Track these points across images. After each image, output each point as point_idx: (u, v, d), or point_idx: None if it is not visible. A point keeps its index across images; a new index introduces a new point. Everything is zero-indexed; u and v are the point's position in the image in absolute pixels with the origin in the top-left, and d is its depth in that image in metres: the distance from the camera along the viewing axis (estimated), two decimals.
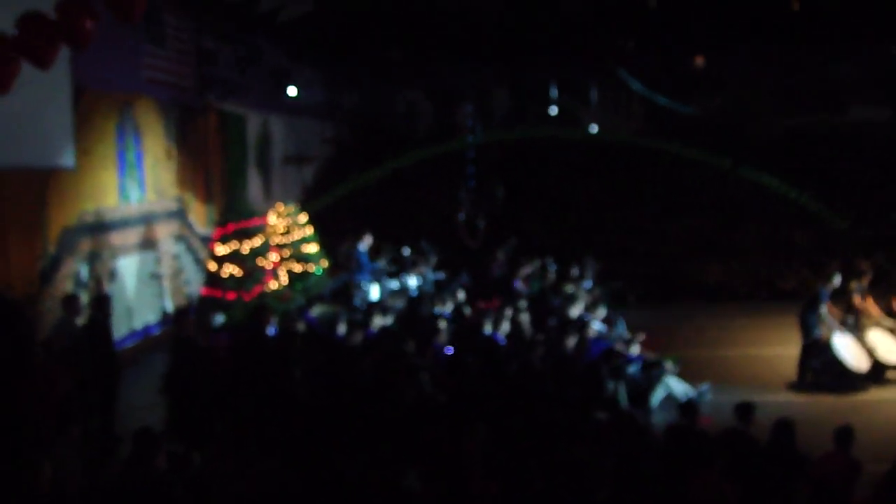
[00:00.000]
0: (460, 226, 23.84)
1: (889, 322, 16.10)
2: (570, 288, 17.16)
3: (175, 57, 17.99)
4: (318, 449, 9.34)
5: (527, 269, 18.12)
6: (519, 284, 17.55)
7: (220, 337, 13.08)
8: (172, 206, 18.01)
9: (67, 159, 14.05)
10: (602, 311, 15.62)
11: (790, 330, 16.32)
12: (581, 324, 14.49)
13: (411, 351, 12.13)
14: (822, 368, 15.15)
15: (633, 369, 13.44)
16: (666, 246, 24.72)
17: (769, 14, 23.65)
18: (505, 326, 13.84)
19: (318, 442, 9.70)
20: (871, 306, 16.41)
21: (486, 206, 24.52)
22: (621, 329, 15.35)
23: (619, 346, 14.44)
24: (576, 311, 15.44)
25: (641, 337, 14.79)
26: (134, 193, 16.39)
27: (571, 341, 13.68)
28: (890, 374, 15.44)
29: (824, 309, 15.37)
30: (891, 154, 26.76)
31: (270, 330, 13.04)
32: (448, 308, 15.15)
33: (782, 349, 16.76)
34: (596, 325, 15.07)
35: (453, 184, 25.36)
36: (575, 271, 18.67)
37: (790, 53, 26.70)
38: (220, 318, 13.67)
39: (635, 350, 14.28)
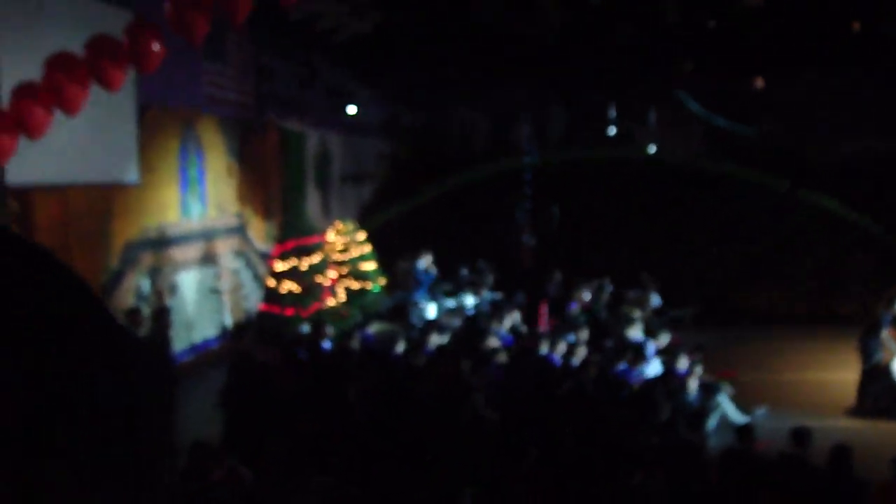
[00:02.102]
0: (523, 246, 23.86)
1: None
2: (633, 311, 16.92)
3: (235, 75, 18.25)
4: (372, 467, 9.40)
5: (584, 292, 17.94)
6: (575, 307, 17.42)
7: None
8: (233, 222, 18.24)
9: (132, 175, 14.32)
10: (665, 338, 15.43)
11: (849, 354, 16.11)
12: (639, 352, 14.31)
13: (467, 370, 12.16)
14: (881, 394, 14.94)
15: (691, 395, 13.29)
16: (723, 268, 24.51)
17: (829, 35, 23.45)
18: (561, 347, 13.80)
19: (372, 460, 9.76)
20: None
21: (542, 227, 24.50)
22: (682, 361, 14.91)
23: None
24: (634, 333, 15.33)
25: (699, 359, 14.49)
26: (195, 209, 16.64)
27: (625, 363, 13.64)
28: None
29: (885, 333, 15.17)
30: None
31: (326, 344, 13.16)
32: (504, 328, 15.14)
33: (841, 374, 16.52)
34: (654, 364, 14.68)
35: (510, 204, 25.38)
36: (633, 293, 18.48)
37: (850, 76, 26.43)
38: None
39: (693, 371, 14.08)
